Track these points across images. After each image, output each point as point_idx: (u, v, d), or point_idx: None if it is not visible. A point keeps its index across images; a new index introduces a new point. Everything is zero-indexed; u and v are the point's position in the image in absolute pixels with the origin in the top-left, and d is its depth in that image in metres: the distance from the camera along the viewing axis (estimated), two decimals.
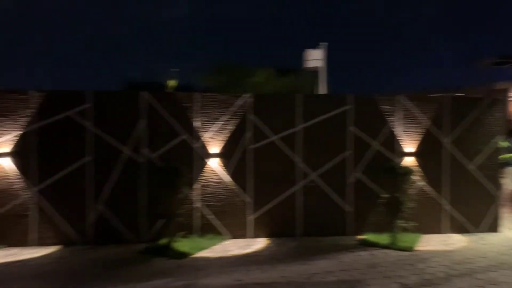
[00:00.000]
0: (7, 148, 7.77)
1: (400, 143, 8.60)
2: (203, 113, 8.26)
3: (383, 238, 7.93)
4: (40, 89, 7.91)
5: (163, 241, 7.62)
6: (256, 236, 8.29)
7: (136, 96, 8.15)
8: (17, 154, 7.80)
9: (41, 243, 7.77)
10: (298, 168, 8.40)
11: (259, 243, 7.96)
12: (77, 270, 6.53)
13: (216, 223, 8.23)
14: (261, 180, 8.30)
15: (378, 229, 8.32)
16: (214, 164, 8.26)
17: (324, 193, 8.44)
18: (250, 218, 8.31)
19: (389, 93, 9.05)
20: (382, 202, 8.11)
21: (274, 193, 8.34)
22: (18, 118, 7.81)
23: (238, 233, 8.26)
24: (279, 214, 8.33)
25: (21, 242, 7.72)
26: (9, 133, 7.78)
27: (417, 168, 8.55)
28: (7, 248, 7.60)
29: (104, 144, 7.97)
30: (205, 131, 8.26)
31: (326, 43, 23.82)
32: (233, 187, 8.27)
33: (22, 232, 7.76)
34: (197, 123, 8.24)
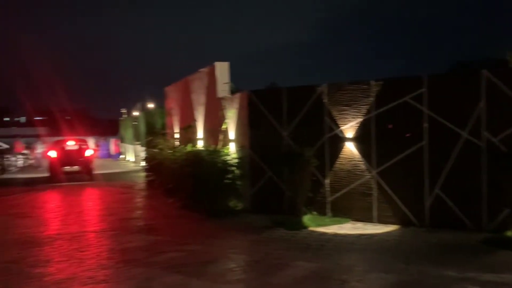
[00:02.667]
0: (351, 134, 8.76)
1: None
2: None
3: None
4: (378, 79, 8.51)
5: (509, 233, 6.89)
6: None
7: (475, 76, 7.62)
8: (358, 139, 8.68)
9: (381, 220, 8.41)
10: None
11: None
12: (416, 250, 6.75)
13: None
14: None
15: None
16: None
17: None
18: None
19: None
20: None
21: None
22: (359, 106, 8.66)
23: None
24: None
25: (364, 217, 8.59)
26: (353, 120, 8.75)
27: None
28: (353, 222, 8.61)
29: (440, 128, 7.85)
30: None
31: None
32: None
33: (365, 209, 8.62)
34: None
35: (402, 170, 8.21)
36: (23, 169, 24.49)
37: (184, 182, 10.64)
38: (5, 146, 26.87)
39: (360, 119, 8.66)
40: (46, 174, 18.79)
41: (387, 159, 8.36)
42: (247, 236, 8.00)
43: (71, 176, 18.05)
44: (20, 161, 24.89)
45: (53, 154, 18.32)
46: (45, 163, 20.99)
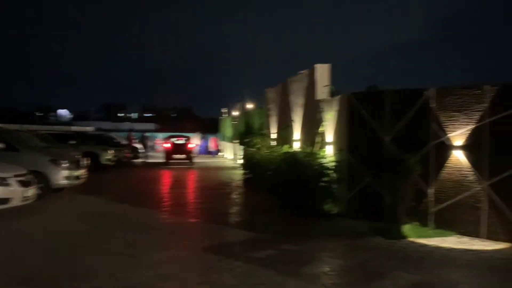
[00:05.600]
0: (460, 141, 8.20)
1: None
2: None
3: None
4: (493, 83, 7.87)
5: None
6: None
7: None
8: (469, 147, 8.10)
9: (491, 237, 7.76)
10: None
11: None
12: None
13: None
14: None
15: None
16: None
17: None
18: None
19: None
20: None
21: None
22: (471, 112, 8.08)
23: None
24: None
25: (471, 232, 7.99)
26: (463, 127, 8.18)
27: None
28: (459, 236, 8.06)
29: None
30: None
31: None
32: None
33: (473, 223, 8.01)
34: None
35: None
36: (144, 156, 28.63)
37: (280, 181, 10.81)
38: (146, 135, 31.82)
39: (471, 126, 8.07)
40: (162, 160, 25.78)
41: (501, 170, 7.69)
42: (343, 240, 7.90)
43: (179, 162, 24.96)
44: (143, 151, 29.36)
45: (167, 145, 25.46)
46: (160, 153, 28.44)
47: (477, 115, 8.01)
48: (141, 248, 7.30)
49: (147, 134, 33.87)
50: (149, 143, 32.77)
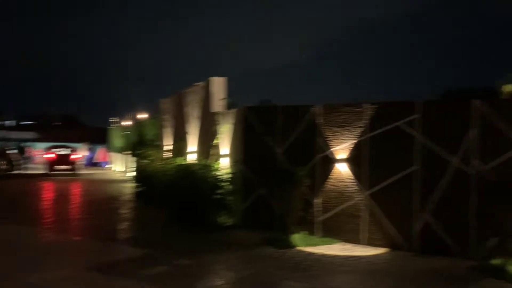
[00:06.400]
0: (344, 155, 8.84)
1: None
2: None
3: None
4: (372, 102, 8.64)
5: (496, 261, 6.96)
6: None
7: (466, 105, 7.79)
8: (351, 160, 8.76)
9: (371, 243, 8.44)
10: None
11: None
12: (404, 275, 6.78)
13: None
14: None
15: None
16: None
17: None
18: None
19: None
20: None
21: None
22: (353, 128, 8.77)
23: None
24: None
25: (354, 239, 8.61)
26: (345, 142, 8.84)
27: None
28: (343, 243, 8.63)
29: (432, 154, 7.97)
30: None
31: None
32: None
33: (355, 231, 8.65)
34: None
35: (393, 193, 8.29)
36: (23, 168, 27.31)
37: (174, 195, 10.59)
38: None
39: (353, 141, 8.75)
40: (44, 171, 24.16)
41: (379, 181, 8.44)
42: (237, 252, 7.97)
43: (62, 174, 23.77)
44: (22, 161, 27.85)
45: (50, 156, 24.42)
46: (41, 164, 26.54)
47: (358, 131, 8.71)
48: (21, 270, 6.57)
49: (26, 143, 31.13)
50: (28, 154, 30.34)
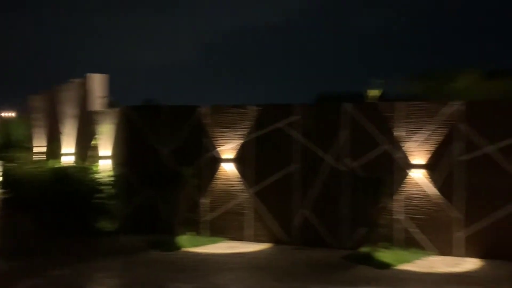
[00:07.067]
0: (230, 155, 9.03)
1: None
2: (406, 122, 8.11)
3: None
4: (257, 104, 8.97)
5: (365, 249, 7.73)
6: (466, 255, 7.68)
7: (339, 108, 8.50)
8: (237, 160, 8.99)
9: (256, 239, 8.75)
10: None
11: (470, 263, 7.36)
12: (288, 268, 7.18)
13: (420, 237, 7.94)
14: (473, 195, 7.66)
15: None
16: (418, 176, 8.00)
17: None
18: (459, 235, 7.76)
19: None
20: None
21: (489, 209, 7.59)
22: (238, 129, 9.00)
23: (444, 250, 7.80)
24: (496, 233, 7.54)
25: (240, 236, 8.84)
26: (231, 142, 9.04)
27: None
28: (229, 241, 8.80)
29: (310, 153, 8.54)
30: (408, 141, 8.08)
31: None
32: (440, 201, 7.86)
33: (240, 228, 8.89)
34: (399, 133, 8.12)
35: (275, 191, 8.70)
36: None
37: (48, 200, 9.76)
38: None
39: (238, 142, 8.98)
40: None
41: (262, 180, 8.79)
42: (120, 258, 7.64)
43: None
44: None
45: None
46: None
47: (243, 131, 8.97)
48: None
49: None
50: None
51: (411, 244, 7.92)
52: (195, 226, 9.00)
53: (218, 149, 9.08)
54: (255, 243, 8.66)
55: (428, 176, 7.95)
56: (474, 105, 7.87)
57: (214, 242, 8.68)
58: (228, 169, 9.03)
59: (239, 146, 8.98)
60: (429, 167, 7.93)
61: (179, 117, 9.38)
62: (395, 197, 8.07)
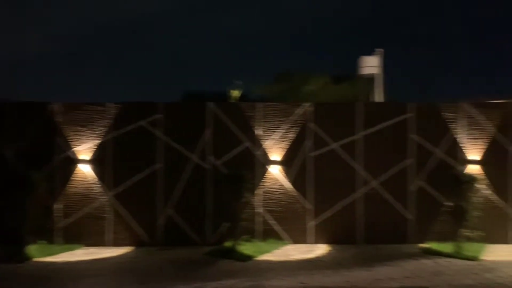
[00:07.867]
0: (86, 155, 8.48)
1: (464, 150, 8.48)
2: (265, 121, 8.60)
3: (446, 247, 7.82)
4: (116, 102, 8.58)
5: (228, 244, 7.98)
6: (317, 242, 8.47)
7: (203, 107, 8.63)
8: (94, 161, 8.49)
9: (116, 243, 8.38)
10: (359, 176, 8.50)
11: (320, 249, 8.13)
12: (151, 269, 7.03)
13: (277, 228, 8.49)
14: (322, 187, 8.48)
15: (441, 238, 8.20)
16: (275, 171, 8.55)
17: (385, 200, 8.48)
18: (311, 224, 8.51)
19: (453, 100, 8.95)
20: (446, 211, 8.03)
21: (335, 200, 8.49)
22: (96, 128, 8.51)
23: (299, 239, 8.48)
24: (340, 221, 8.46)
25: (99, 242, 8.37)
26: (88, 142, 8.50)
27: (482, 177, 8.37)
28: (86, 247, 8.27)
29: (174, 152, 8.49)
30: (267, 139, 8.58)
31: (382, 50, 23.52)
32: (294, 194, 8.52)
33: (100, 233, 8.42)
34: (259, 132, 8.58)
35: (137, 192, 8.45)
36: None
37: None
38: None
39: (96, 141, 8.50)
40: None
41: (123, 181, 8.46)
42: None
43: None
44: None
45: None
46: None
47: (101, 130, 8.51)
48: None
49: None
50: None
51: (270, 236, 8.44)
52: (47, 234, 8.25)
53: (74, 149, 8.47)
54: (116, 247, 8.29)
55: (283, 171, 8.55)
56: (320, 107, 8.72)
57: (70, 249, 8.07)
58: (86, 171, 8.48)
59: (97, 146, 8.50)
60: (284, 163, 8.54)
61: (27, 115, 8.50)
62: (256, 192, 8.50)
